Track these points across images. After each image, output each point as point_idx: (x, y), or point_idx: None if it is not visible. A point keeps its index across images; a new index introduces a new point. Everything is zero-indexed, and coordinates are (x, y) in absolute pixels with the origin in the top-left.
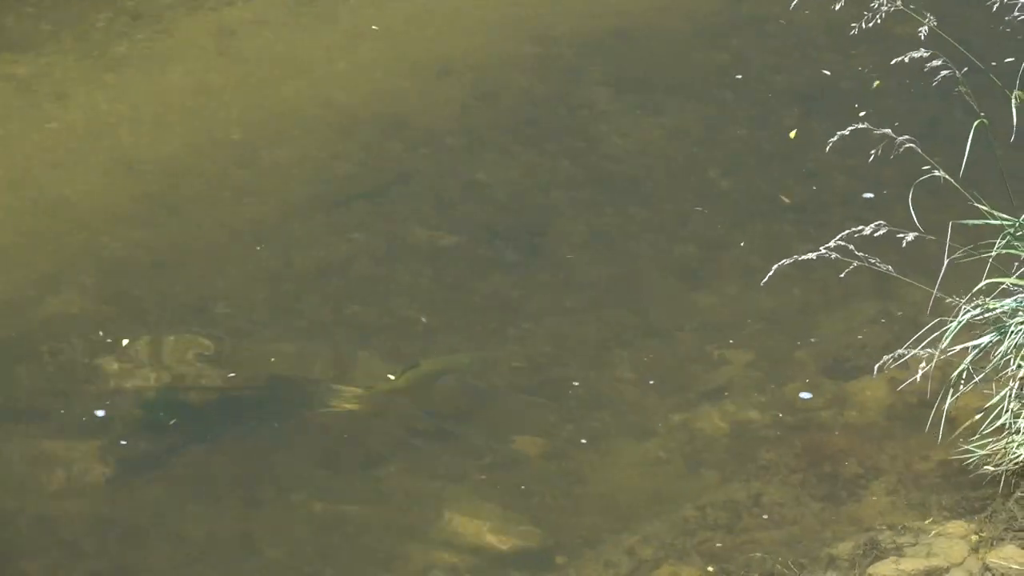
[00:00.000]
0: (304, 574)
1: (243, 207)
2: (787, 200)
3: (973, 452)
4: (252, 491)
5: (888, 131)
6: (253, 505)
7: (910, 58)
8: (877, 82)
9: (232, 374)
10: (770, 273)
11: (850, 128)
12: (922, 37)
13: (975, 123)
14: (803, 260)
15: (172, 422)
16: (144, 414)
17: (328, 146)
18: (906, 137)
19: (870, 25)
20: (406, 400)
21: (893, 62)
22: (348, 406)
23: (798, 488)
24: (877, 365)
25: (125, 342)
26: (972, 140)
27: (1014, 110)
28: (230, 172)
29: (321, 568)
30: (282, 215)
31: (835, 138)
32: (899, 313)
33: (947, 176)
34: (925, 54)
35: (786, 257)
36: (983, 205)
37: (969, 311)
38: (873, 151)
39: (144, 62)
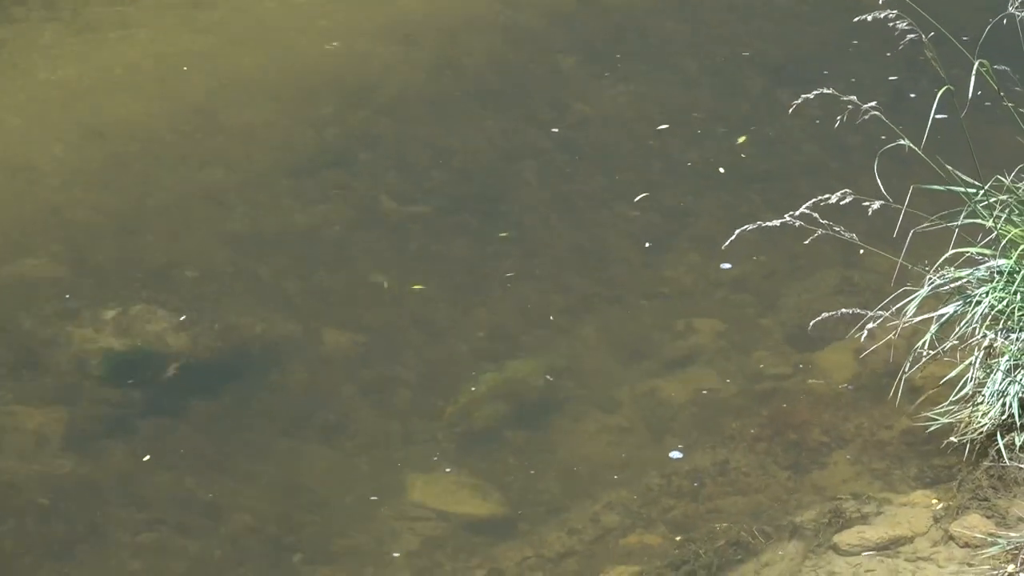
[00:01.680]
0: (268, 540)
1: (209, 173)
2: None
3: (937, 421)
4: (217, 457)
5: (854, 98)
6: (218, 470)
7: (873, 17)
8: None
9: (197, 340)
10: (732, 238)
11: (815, 92)
12: (881, 3)
13: (940, 90)
14: (769, 229)
15: (136, 388)
16: (109, 379)
17: (294, 113)
18: (872, 104)
19: None
20: (370, 368)
21: (856, 20)
22: (311, 372)
23: (763, 457)
24: (814, 322)
25: (90, 307)
26: (939, 109)
27: (972, 79)
28: (196, 138)
29: (285, 534)
30: (248, 182)
31: (799, 100)
32: (864, 282)
33: (912, 145)
34: (891, 14)
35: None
36: (949, 174)
37: (935, 280)
38: (839, 117)
39: (111, 28)
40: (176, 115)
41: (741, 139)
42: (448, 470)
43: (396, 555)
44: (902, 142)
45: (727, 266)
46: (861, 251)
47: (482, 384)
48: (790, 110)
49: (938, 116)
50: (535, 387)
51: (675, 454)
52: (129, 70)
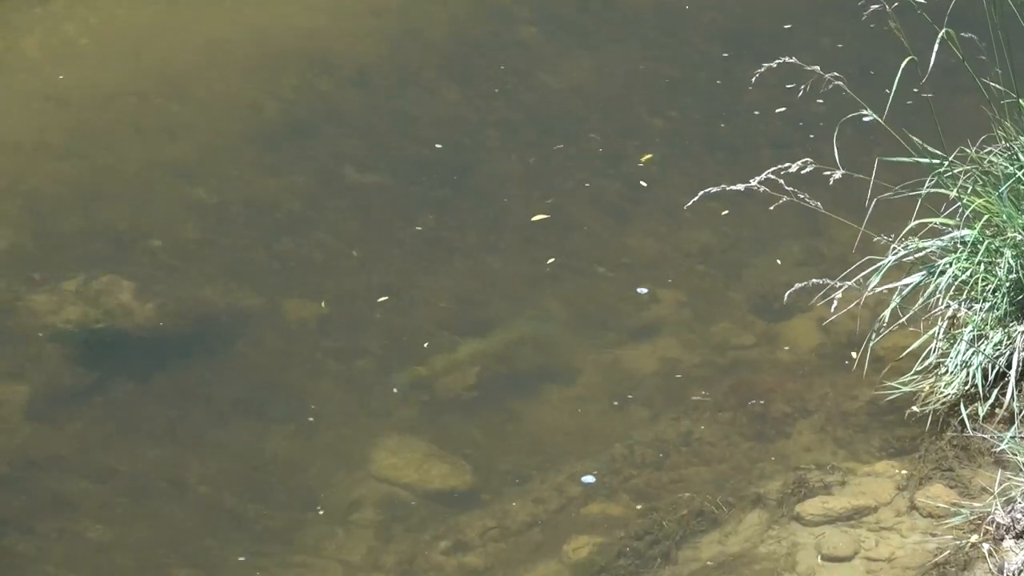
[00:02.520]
0: (230, 510)
1: (173, 143)
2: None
3: (901, 391)
4: (180, 427)
5: (817, 68)
6: (181, 441)
7: None
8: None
9: (161, 310)
10: (695, 199)
11: (777, 61)
12: None
13: (904, 60)
14: (733, 199)
15: (100, 357)
16: (72, 350)
17: (258, 83)
18: (834, 74)
19: None
20: (334, 338)
21: None
22: (275, 342)
23: (727, 427)
24: (788, 292)
25: (53, 277)
26: (904, 80)
27: (935, 49)
28: (160, 107)
29: (247, 504)
30: (212, 151)
31: (762, 69)
32: (829, 252)
33: (875, 115)
34: None
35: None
36: (913, 144)
37: (899, 250)
38: (802, 86)
39: None
40: (140, 84)
41: (645, 157)
42: (412, 440)
43: (359, 526)
44: (864, 112)
45: (643, 291)
46: (825, 221)
47: (446, 354)
48: (753, 79)
49: (902, 86)
50: (499, 358)
51: (587, 478)
52: (93, 39)
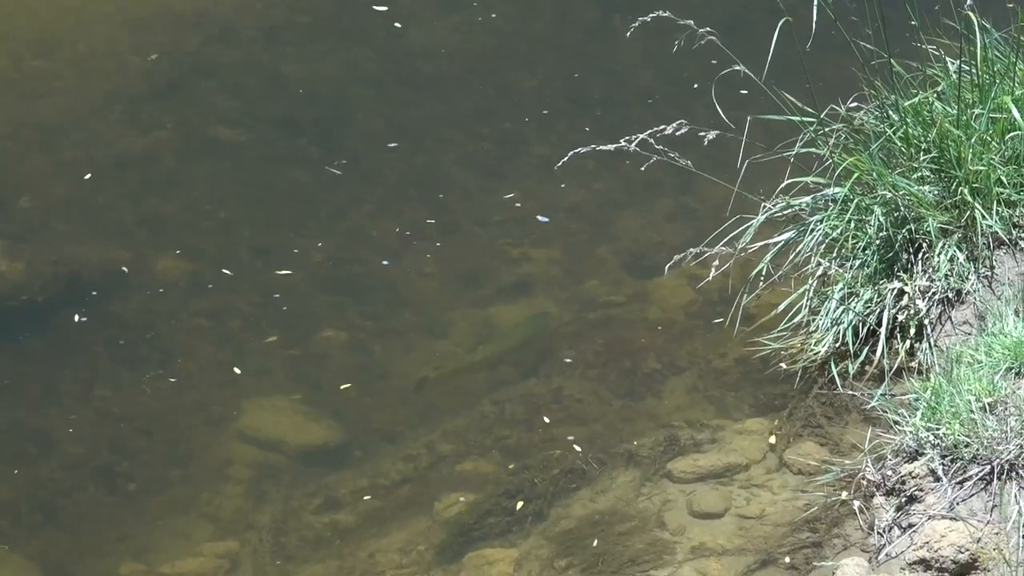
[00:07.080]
0: (101, 468)
1: (41, 101)
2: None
3: (771, 348)
4: (49, 387)
5: (691, 22)
6: (51, 400)
7: None
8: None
9: (30, 269)
10: (564, 159)
11: (651, 15)
12: None
13: (780, 21)
14: (605, 157)
15: None
16: None
17: (127, 40)
18: (707, 30)
19: None
20: (205, 297)
21: None
22: (146, 300)
23: (598, 384)
24: (668, 264)
25: None
26: (777, 41)
27: (815, 10)
28: (27, 66)
29: (118, 462)
30: (80, 110)
31: (636, 24)
32: (700, 211)
33: (749, 72)
34: None
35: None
36: (786, 103)
37: (769, 209)
38: (676, 42)
39: None
40: (7, 43)
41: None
42: (283, 398)
43: (230, 484)
44: (738, 67)
45: (544, 219)
46: (698, 179)
47: (315, 311)
48: (627, 34)
49: (776, 45)
50: (370, 313)
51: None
52: None
